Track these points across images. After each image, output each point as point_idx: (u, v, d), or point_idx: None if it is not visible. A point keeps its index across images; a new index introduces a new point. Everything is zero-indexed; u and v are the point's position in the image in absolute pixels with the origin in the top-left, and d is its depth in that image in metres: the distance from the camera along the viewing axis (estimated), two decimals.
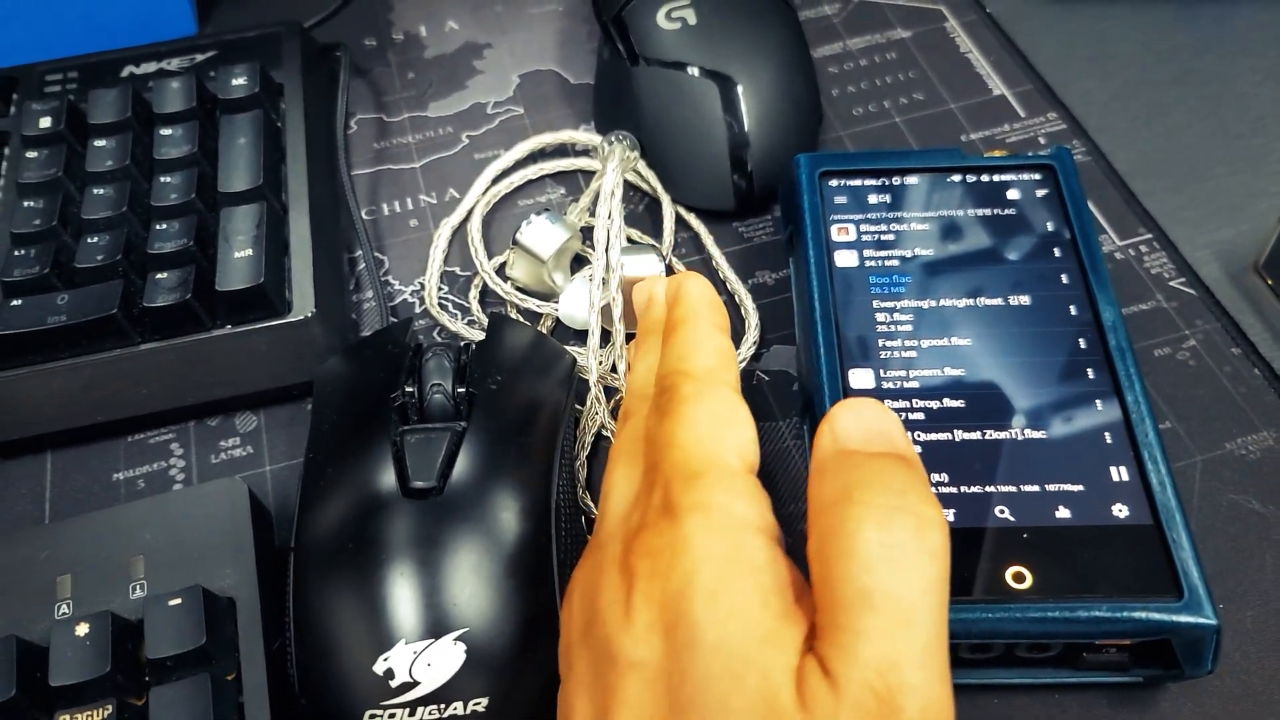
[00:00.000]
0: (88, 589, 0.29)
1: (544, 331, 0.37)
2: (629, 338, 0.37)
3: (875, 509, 0.20)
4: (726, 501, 0.23)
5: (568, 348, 0.35)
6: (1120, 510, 0.29)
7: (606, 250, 0.34)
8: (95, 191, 0.37)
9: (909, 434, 0.30)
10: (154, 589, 0.29)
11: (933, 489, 0.29)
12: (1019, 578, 0.28)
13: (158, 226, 0.36)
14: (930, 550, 0.20)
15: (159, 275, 0.35)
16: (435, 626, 0.27)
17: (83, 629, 0.27)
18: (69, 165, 0.37)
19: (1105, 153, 0.41)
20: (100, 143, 0.38)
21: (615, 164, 0.36)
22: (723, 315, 0.29)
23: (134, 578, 0.30)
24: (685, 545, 0.22)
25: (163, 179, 0.37)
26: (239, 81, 0.40)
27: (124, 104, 0.39)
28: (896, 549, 0.20)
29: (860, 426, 0.23)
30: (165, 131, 0.38)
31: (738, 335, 0.37)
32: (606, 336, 0.37)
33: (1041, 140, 0.42)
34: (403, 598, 0.27)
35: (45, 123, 0.38)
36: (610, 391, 0.36)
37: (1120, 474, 0.29)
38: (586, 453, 0.34)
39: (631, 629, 0.22)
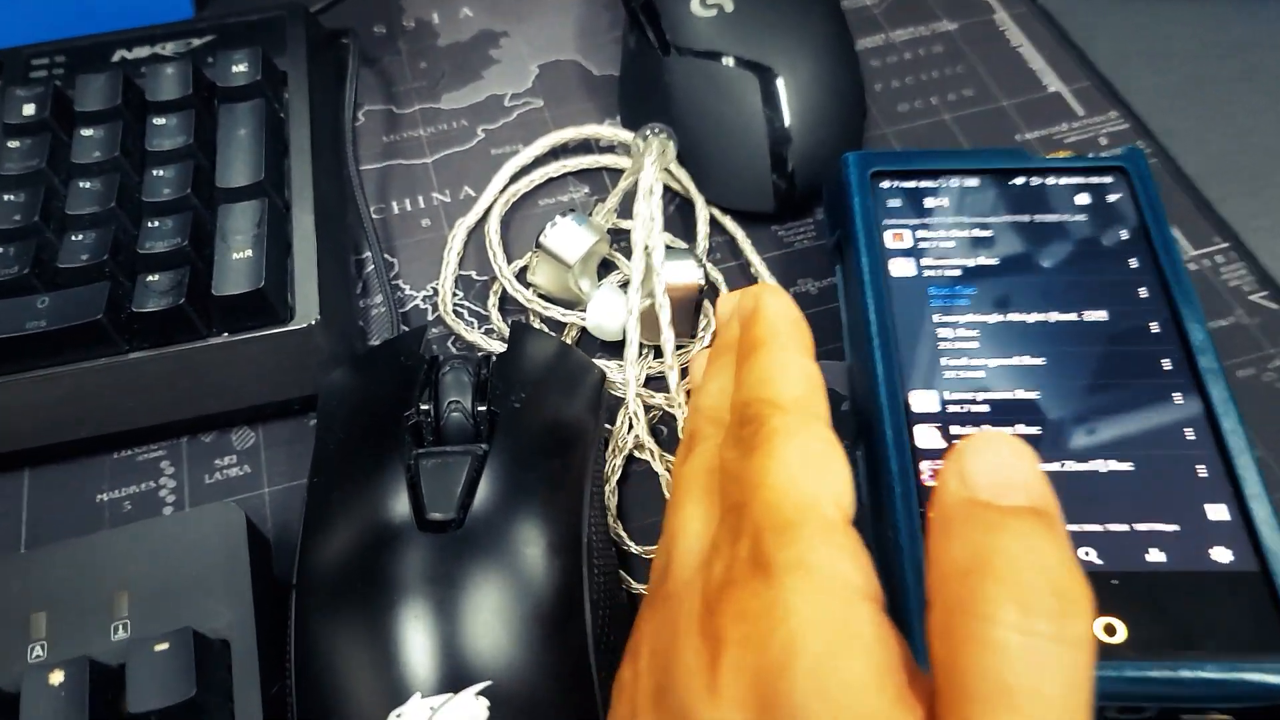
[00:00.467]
0: (64, 628, 0.26)
1: (569, 343, 0.34)
2: (657, 351, 0.34)
3: (1018, 589, 0.17)
4: (830, 560, 0.20)
5: (596, 360, 0.33)
6: (1221, 554, 0.26)
7: (647, 254, 0.31)
8: (81, 185, 0.34)
9: None
10: (138, 630, 0.26)
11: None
12: (1110, 630, 0.25)
13: (149, 224, 0.33)
14: (1078, 639, 0.17)
15: (150, 277, 0.32)
16: (454, 678, 0.24)
17: (57, 677, 0.24)
18: (53, 156, 0.34)
19: (1173, 155, 0.38)
20: (88, 132, 0.35)
21: (653, 159, 0.33)
22: (807, 335, 0.26)
23: (116, 616, 0.27)
24: (785, 611, 0.19)
25: (155, 172, 0.34)
26: (239, 68, 0.37)
27: (114, 91, 0.36)
28: (1042, 639, 0.16)
29: (994, 471, 0.19)
30: (159, 121, 0.35)
31: None
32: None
33: (1103, 141, 0.39)
34: (418, 645, 0.24)
35: (29, 110, 0.35)
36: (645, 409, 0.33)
37: (1218, 512, 0.26)
38: (617, 477, 0.31)
39: (717, 703, 0.19)
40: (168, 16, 0.42)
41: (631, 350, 0.31)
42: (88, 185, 0.34)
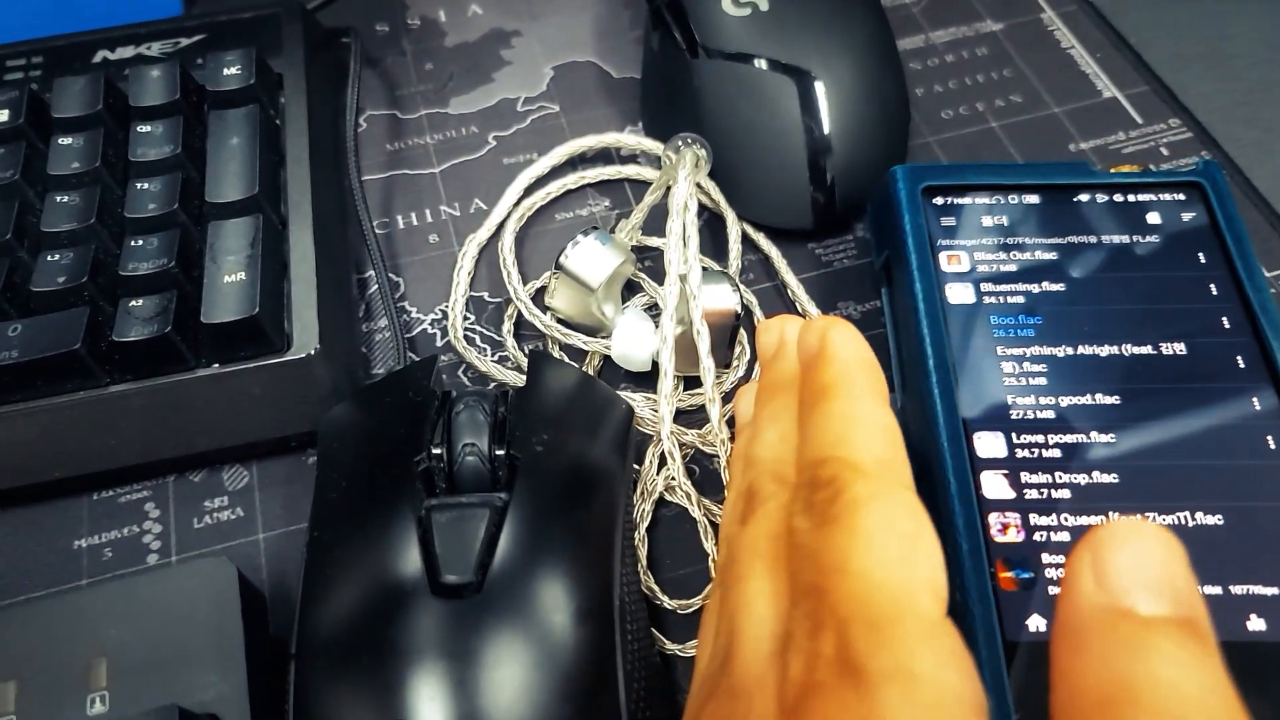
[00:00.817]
0: (36, 702, 0.24)
1: (592, 373, 0.31)
2: (689, 382, 0.31)
3: None
4: (935, 670, 0.17)
5: (621, 392, 0.30)
6: None
7: (682, 278, 0.28)
8: (58, 199, 0.31)
9: (1053, 516, 0.25)
10: (118, 703, 0.24)
11: None
12: None
13: (132, 243, 0.30)
14: None
15: (133, 302, 0.29)
16: None
17: None
18: (28, 167, 0.32)
19: (1241, 167, 0.35)
20: (66, 140, 0.32)
21: (687, 171, 0.30)
22: (883, 381, 0.23)
23: (94, 687, 0.24)
24: None
25: (139, 185, 0.31)
26: (231, 71, 0.34)
27: (95, 95, 0.33)
28: None
29: (1138, 571, 0.16)
30: (143, 128, 0.33)
31: None
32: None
33: (1164, 151, 0.36)
34: None
35: (1, 116, 0.33)
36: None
37: None
38: (647, 523, 0.29)
39: None
40: (155, 13, 0.40)
41: (667, 383, 0.28)
42: (65, 199, 0.31)
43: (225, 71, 0.34)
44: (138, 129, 0.33)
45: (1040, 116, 0.37)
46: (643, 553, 0.28)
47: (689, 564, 0.28)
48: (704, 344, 0.28)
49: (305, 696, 0.23)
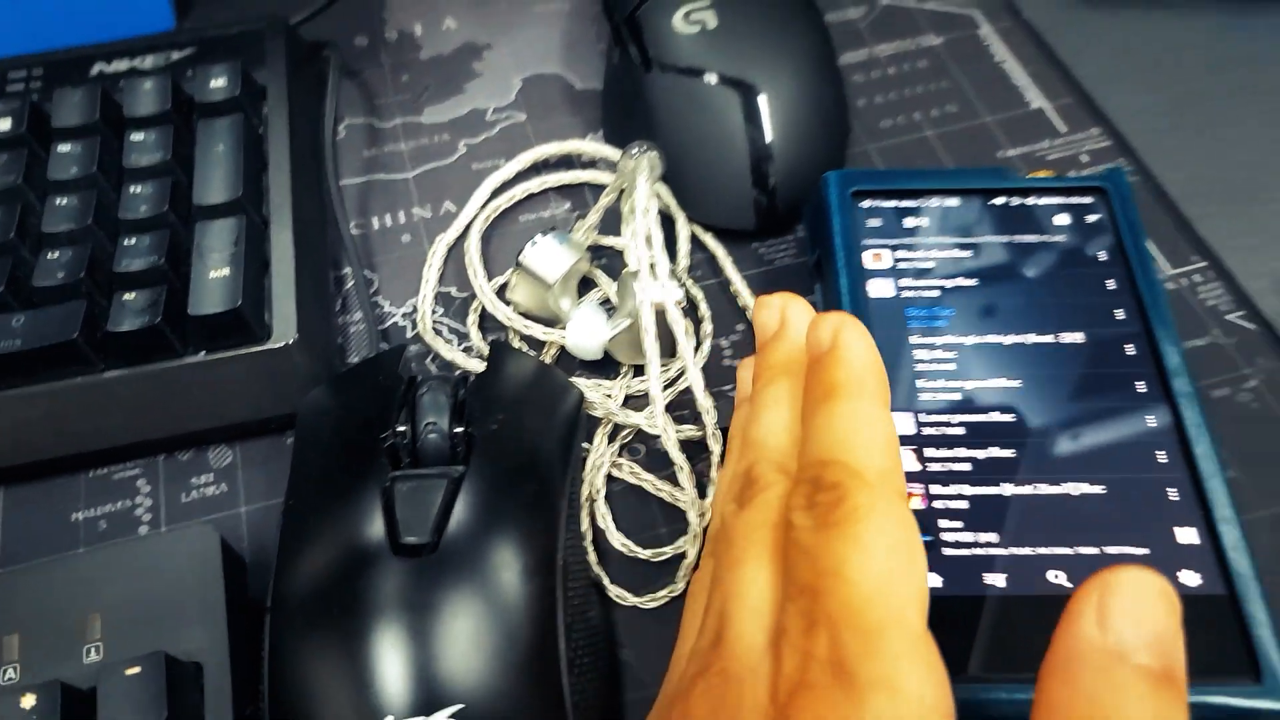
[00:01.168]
0: (38, 651, 0.26)
1: (548, 362, 0.34)
2: (637, 370, 0.34)
3: None
4: (918, 683, 0.19)
5: (575, 379, 0.33)
6: (1189, 578, 0.26)
7: (652, 269, 0.31)
8: (57, 202, 0.34)
9: (953, 486, 0.28)
10: (111, 652, 0.26)
11: (984, 550, 0.26)
12: None
13: (126, 242, 0.33)
14: None
15: (126, 296, 0.31)
16: (428, 701, 0.24)
17: (28, 701, 0.24)
18: (29, 172, 0.34)
19: (1154, 173, 0.38)
20: (64, 148, 0.35)
21: (646, 175, 0.33)
22: (887, 387, 0.25)
23: (89, 639, 0.27)
24: None
25: (133, 189, 0.34)
26: (218, 83, 0.36)
27: (92, 105, 0.35)
28: None
29: (1141, 624, 0.18)
30: (136, 137, 0.35)
31: None
32: (615, 366, 0.34)
33: (1084, 159, 0.39)
34: (391, 668, 0.24)
35: (4, 125, 0.35)
36: (618, 429, 0.33)
37: (1188, 536, 0.27)
38: (602, 495, 0.31)
39: None
40: (148, 28, 0.42)
41: (654, 367, 0.31)
42: (64, 202, 0.34)
43: (212, 83, 0.37)
44: (131, 137, 0.35)
45: (972, 125, 0.40)
46: (594, 519, 0.31)
47: (638, 531, 0.31)
48: (650, 338, 0.31)
49: (279, 643, 0.26)
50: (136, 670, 0.25)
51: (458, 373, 0.34)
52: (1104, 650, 0.18)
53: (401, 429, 0.28)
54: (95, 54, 0.39)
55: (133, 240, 0.33)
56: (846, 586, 0.20)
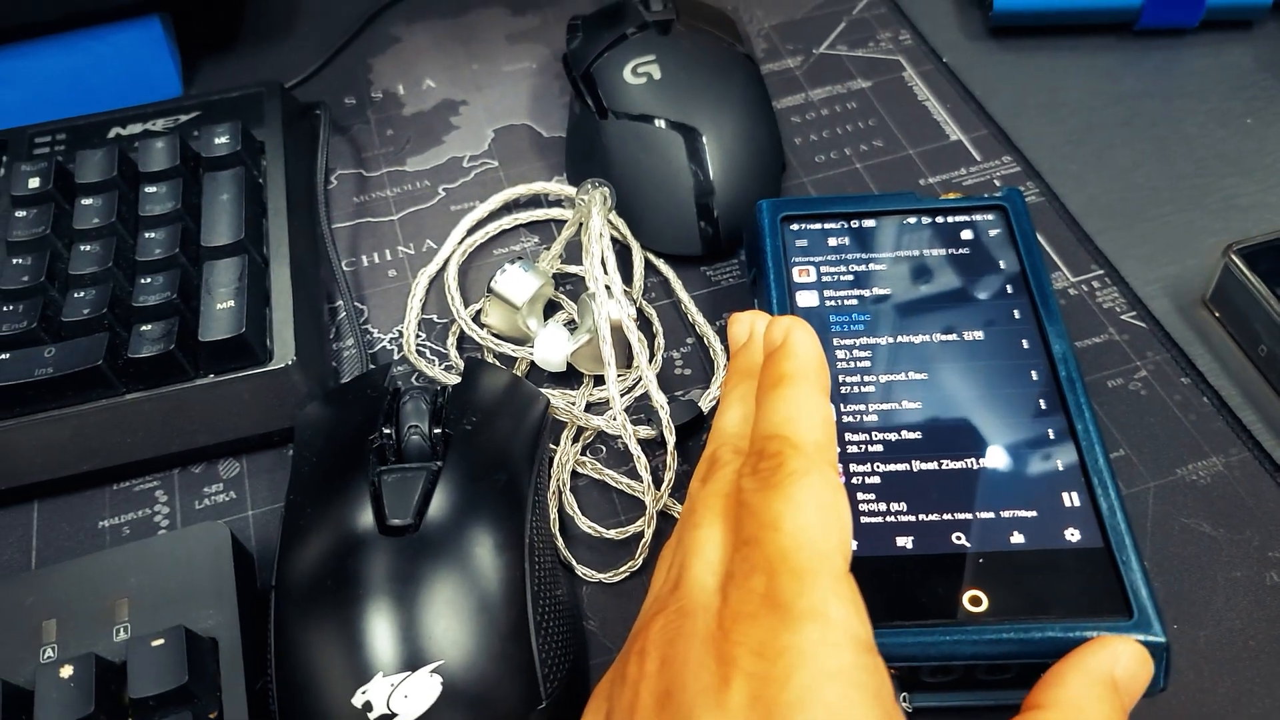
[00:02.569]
0: (72, 633, 0.30)
1: (519, 375, 0.38)
2: (599, 380, 0.38)
3: None
4: (844, 615, 0.22)
5: (543, 389, 0.37)
6: (1072, 534, 0.30)
7: (606, 288, 0.36)
8: (82, 248, 0.38)
9: (867, 465, 0.32)
10: (137, 631, 0.30)
11: (894, 517, 0.30)
12: (975, 601, 0.29)
13: (142, 280, 0.37)
14: None
15: (143, 327, 0.36)
16: (412, 659, 0.28)
17: (67, 671, 0.28)
18: (57, 223, 0.39)
19: (1058, 194, 0.43)
20: (87, 201, 0.39)
21: (599, 207, 0.38)
22: (828, 377, 0.29)
23: (118, 620, 0.30)
24: (803, 658, 0.22)
25: (147, 235, 0.38)
26: (221, 140, 0.41)
27: (110, 163, 0.40)
28: None
29: (1140, 683, 0.26)
30: (150, 189, 0.40)
31: (706, 376, 0.38)
32: (578, 378, 0.38)
33: (997, 183, 0.44)
34: (380, 631, 0.28)
35: (34, 183, 0.40)
36: (580, 431, 0.37)
37: (1072, 499, 0.31)
38: (567, 488, 0.35)
39: (724, 717, 0.22)
40: (158, 95, 0.47)
41: (611, 370, 0.35)
42: (88, 248, 0.38)
43: (216, 140, 0.41)
44: (145, 189, 0.40)
45: (897, 157, 0.45)
46: (574, 507, 0.35)
47: (601, 519, 0.35)
48: (607, 347, 0.35)
49: (284, 613, 0.29)
50: (161, 642, 0.29)
51: (438, 385, 0.38)
52: (1108, 685, 0.26)
53: (387, 431, 0.32)
54: (112, 119, 0.44)
55: (148, 279, 0.37)
56: (782, 536, 0.24)
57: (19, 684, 0.28)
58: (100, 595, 0.31)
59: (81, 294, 0.37)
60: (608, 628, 0.33)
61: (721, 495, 0.27)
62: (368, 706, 0.27)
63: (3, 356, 0.35)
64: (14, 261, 0.37)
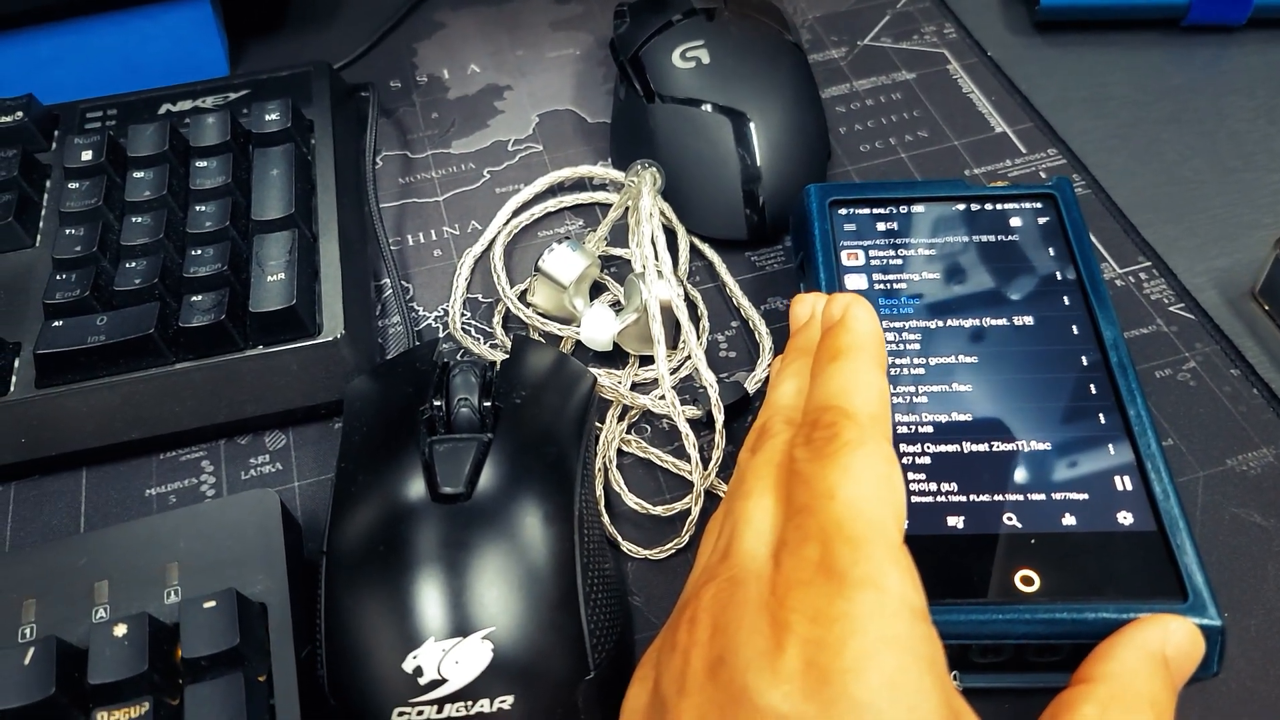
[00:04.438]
0: (124, 594, 0.30)
1: (565, 352, 0.38)
2: (644, 360, 0.38)
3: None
4: (900, 584, 0.22)
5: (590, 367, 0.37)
6: (1125, 517, 0.30)
7: (657, 268, 0.36)
8: (134, 220, 0.38)
9: (918, 445, 0.32)
10: (188, 594, 0.30)
11: (944, 497, 0.30)
12: (1028, 581, 0.28)
13: (193, 252, 0.37)
14: None
15: (194, 298, 0.36)
16: (463, 625, 0.28)
17: (120, 630, 0.28)
18: (109, 195, 0.39)
19: (1105, 187, 0.43)
20: (139, 174, 0.39)
21: (649, 187, 0.38)
22: (884, 352, 0.29)
23: (169, 583, 0.31)
24: (859, 624, 0.22)
25: (198, 208, 0.38)
26: (272, 117, 0.41)
27: (162, 138, 0.40)
28: None
29: (1189, 660, 0.27)
30: (201, 164, 0.40)
31: (751, 360, 0.39)
32: (624, 358, 0.38)
33: (1042, 174, 0.43)
34: (431, 597, 0.28)
35: (86, 155, 0.40)
36: (626, 410, 0.37)
37: (1124, 484, 0.30)
38: (614, 464, 0.35)
39: (778, 683, 0.22)
40: (205, 75, 0.47)
41: (660, 349, 0.35)
42: (139, 220, 0.38)
43: (266, 118, 0.41)
44: (196, 164, 0.40)
45: (942, 148, 0.45)
46: (620, 485, 0.35)
47: (647, 496, 0.35)
48: (657, 325, 0.35)
49: (334, 578, 0.29)
50: (212, 604, 0.29)
51: (486, 360, 0.38)
52: (1159, 660, 0.26)
53: (438, 404, 0.32)
54: (162, 96, 0.44)
55: (199, 251, 0.37)
56: (837, 505, 0.24)
57: (72, 642, 0.29)
58: (151, 558, 0.31)
59: (133, 264, 0.37)
60: (653, 603, 0.33)
61: (773, 465, 0.27)
62: (418, 671, 0.27)
63: (56, 324, 0.35)
64: (67, 232, 0.38)
